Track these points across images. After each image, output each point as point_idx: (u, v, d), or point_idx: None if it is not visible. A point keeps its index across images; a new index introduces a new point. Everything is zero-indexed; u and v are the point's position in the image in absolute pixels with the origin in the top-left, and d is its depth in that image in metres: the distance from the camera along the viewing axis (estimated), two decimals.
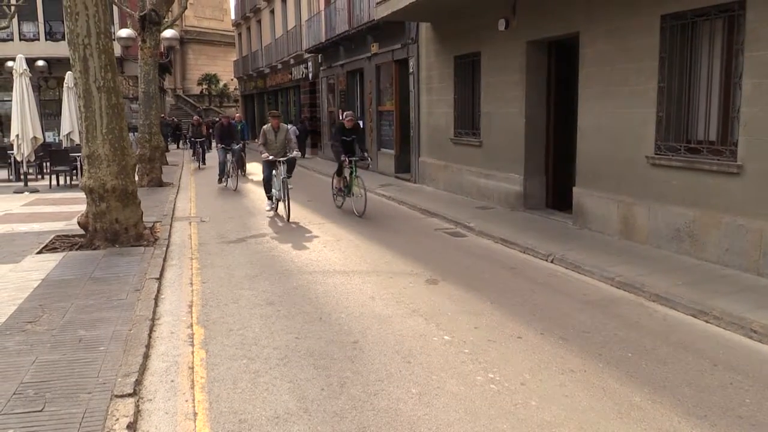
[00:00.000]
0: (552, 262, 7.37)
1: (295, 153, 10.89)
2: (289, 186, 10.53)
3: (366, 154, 11.27)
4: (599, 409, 3.74)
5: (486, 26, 11.10)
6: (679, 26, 7.21)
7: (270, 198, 11.10)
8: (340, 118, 11.28)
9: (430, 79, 14.01)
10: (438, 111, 13.73)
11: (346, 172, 11.16)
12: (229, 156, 15.59)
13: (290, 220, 10.32)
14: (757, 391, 3.96)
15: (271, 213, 11.03)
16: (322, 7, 21.53)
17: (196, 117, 26.53)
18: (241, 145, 16.35)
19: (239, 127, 18.85)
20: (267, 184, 10.95)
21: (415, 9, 12.02)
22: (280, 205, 10.91)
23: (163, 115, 30.63)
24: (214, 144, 23.98)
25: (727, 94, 6.74)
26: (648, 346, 4.74)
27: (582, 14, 8.66)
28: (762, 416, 3.64)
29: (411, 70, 15.11)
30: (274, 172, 10.73)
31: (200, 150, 22.44)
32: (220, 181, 15.67)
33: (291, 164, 10.84)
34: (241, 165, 16.57)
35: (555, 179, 10.49)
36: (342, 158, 10.82)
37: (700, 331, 5.09)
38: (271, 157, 10.51)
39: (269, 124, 10.86)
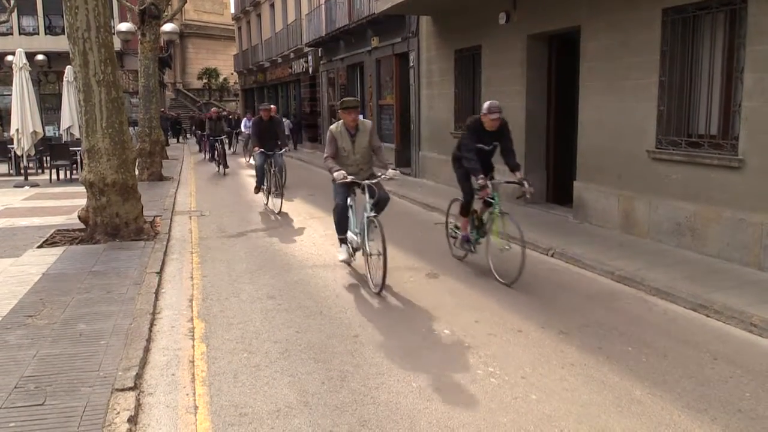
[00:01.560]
0: (552, 256, 7.37)
1: (390, 171, 6.28)
2: (376, 225, 5.99)
3: (519, 174, 6.44)
4: (599, 402, 3.75)
5: (486, 20, 11.06)
6: (680, 20, 7.19)
7: (343, 241, 6.74)
8: (483, 111, 6.43)
9: (431, 73, 13.98)
10: (438, 105, 13.71)
11: (477, 205, 6.84)
12: (269, 164, 11.23)
13: (383, 287, 5.92)
14: (757, 385, 3.96)
15: (344, 257, 6.77)
16: (322, 0, 21.46)
17: (214, 109, 21.13)
18: (286, 149, 11.85)
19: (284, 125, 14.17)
20: (340, 221, 6.61)
21: (416, 2, 12.00)
22: (359, 255, 6.59)
23: (162, 110, 30.62)
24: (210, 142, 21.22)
25: (728, 88, 6.72)
26: (648, 340, 4.75)
27: (583, 7, 8.63)
28: (762, 410, 3.65)
29: (411, 64, 15.07)
30: (350, 200, 6.51)
31: (221, 150, 17.55)
32: (258, 189, 11.46)
33: (382, 200, 6.32)
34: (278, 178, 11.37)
35: (555, 173, 10.48)
36: (479, 181, 6.24)
37: (700, 325, 5.09)
38: (349, 178, 6.17)
39: (340, 123, 6.47)
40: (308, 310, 5.49)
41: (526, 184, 6.27)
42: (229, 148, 23.97)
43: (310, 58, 24.42)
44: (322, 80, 24.04)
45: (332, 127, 6.52)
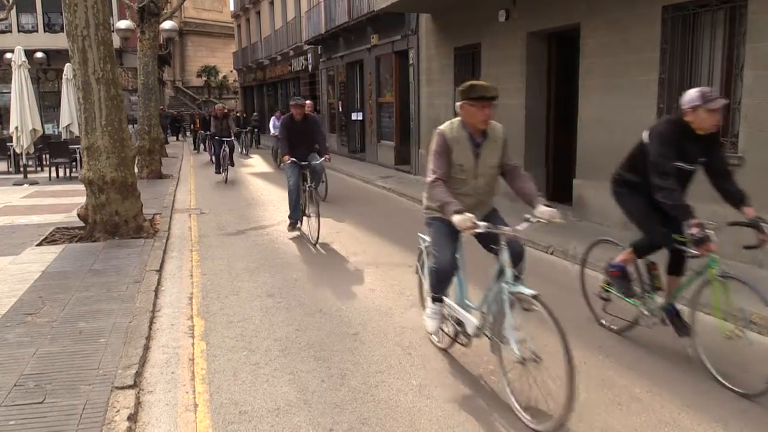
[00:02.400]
0: (552, 254, 7.37)
1: (545, 209, 3.89)
2: (532, 306, 3.46)
3: (749, 209, 4.06)
4: (599, 400, 3.75)
5: (486, 17, 11.05)
6: (680, 17, 7.18)
7: (438, 299, 4.28)
8: (693, 102, 3.96)
9: (430, 71, 13.96)
10: (438, 102, 13.69)
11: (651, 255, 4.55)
12: (303, 178, 8.39)
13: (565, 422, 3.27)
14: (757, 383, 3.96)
15: (434, 325, 4.33)
16: None
17: (219, 105, 17.10)
18: (327, 158, 8.66)
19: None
20: (443, 281, 4.16)
21: (415, 0, 11.97)
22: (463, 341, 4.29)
23: (162, 107, 30.57)
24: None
25: (728, 85, 6.72)
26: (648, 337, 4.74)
27: (583, 5, 8.62)
28: (761, 408, 3.65)
29: (411, 62, 15.06)
30: (457, 257, 4.16)
31: (227, 151, 15.00)
32: (293, 225, 8.52)
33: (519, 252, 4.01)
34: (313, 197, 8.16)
35: (555, 171, 10.48)
36: (693, 230, 3.81)
37: (699, 323, 5.08)
38: (481, 226, 3.64)
39: (456, 123, 3.94)
40: (308, 308, 5.49)
41: (765, 227, 3.89)
42: (242, 151, 22.42)
43: (309, 55, 24.40)
44: (321, 78, 24.02)
45: (443, 127, 3.88)
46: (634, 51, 7.72)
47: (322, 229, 8.01)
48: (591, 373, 4.13)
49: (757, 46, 6.17)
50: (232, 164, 15.59)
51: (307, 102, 9.23)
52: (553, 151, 10.46)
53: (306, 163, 8.33)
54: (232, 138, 15.84)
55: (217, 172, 15.40)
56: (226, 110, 16.56)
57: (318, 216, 7.88)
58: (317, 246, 7.91)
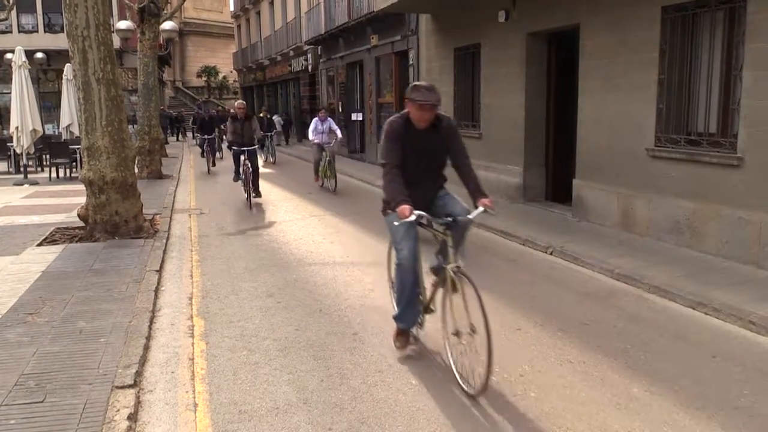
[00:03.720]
0: (551, 254, 7.37)
1: None
2: None
3: None
4: (598, 400, 3.76)
5: (486, 18, 11.05)
6: (679, 18, 7.19)
7: None
8: None
9: (430, 71, 13.97)
10: None
11: None
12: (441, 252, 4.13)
13: None
14: (755, 383, 3.97)
15: None
16: None
17: (240, 102, 12.29)
18: (487, 204, 3.98)
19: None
20: None
21: (415, 0, 11.98)
22: None
23: (162, 108, 30.55)
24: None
25: (727, 86, 6.73)
26: (647, 337, 4.76)
27: (583, 5, 8.62)
28: (759, 407, 3.65)
29: (411, 62, 15.08)
30: None
31: (248, 166, 11.12)
32: (405, 336, 4.42)
33: None
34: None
35: (555, 171, 10.48)
36: None
37: (698, 323, 5.10)
38: None
39: None
40: (308, 308, 5.50)
41: None
42: (268, 158, 19.18)
43: (309, 56, 24.41)
44: (321, 78, 24.03)
45: None
46: (634, 51, 7.73)
47: (324, 229, 7.80)
48: (590, 372, 4.14)
49: (757, 46, 6.18)
50: (258, 193, 11.42)
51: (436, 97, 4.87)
52: (553, 151, 10.46)
53: (447, 221, 4.03)
54: (256, 147, 11.50)
55: (236, 179, 12.45)
56: (248, 111, 11.85)
57: (487, 328, 3.69)
58: (318, 245, 7.87)
